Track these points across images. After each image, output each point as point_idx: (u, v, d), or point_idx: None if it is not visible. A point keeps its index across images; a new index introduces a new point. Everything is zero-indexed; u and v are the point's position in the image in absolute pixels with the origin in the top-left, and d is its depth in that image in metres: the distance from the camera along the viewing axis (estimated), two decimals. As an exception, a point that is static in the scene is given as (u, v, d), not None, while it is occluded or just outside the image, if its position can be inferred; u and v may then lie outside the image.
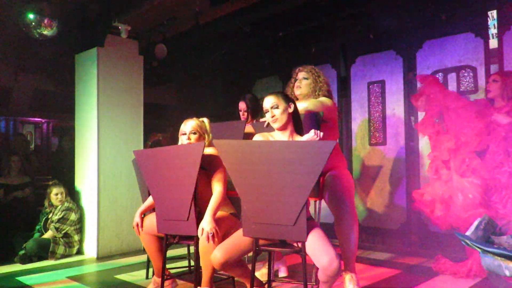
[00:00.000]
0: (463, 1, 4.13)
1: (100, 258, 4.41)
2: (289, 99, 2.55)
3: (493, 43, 4.02)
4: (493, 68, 4.01)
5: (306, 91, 3.10)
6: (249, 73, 6.24)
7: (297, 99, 3.12)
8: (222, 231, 2.49)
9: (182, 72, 6.71)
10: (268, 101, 2.50)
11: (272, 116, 2.48)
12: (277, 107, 2.47)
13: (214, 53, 5.82)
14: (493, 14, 4.05)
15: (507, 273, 1.50)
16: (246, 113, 3.82)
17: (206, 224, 2.42)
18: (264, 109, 2.53)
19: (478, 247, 1.60)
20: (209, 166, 2.64)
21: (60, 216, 4.42)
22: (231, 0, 4.21)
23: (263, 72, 6.00)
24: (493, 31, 4.04)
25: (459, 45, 4.23)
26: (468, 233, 1.70)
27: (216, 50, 5.77)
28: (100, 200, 4.50)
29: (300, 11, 4.66)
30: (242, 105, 3.86)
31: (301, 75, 3.15)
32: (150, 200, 2.91)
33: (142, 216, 2.90)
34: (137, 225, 2.86)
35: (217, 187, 2.61)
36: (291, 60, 5.46)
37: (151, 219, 2.81)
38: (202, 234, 2.40)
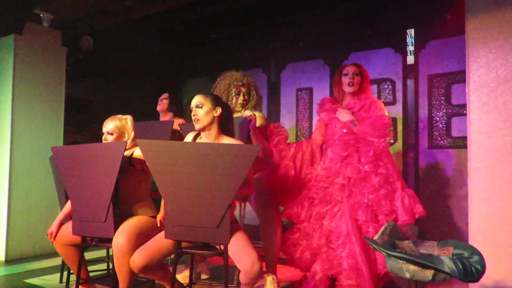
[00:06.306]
0: (385, 18, 4.42)
1: (9, 261, 4.10)
2: (218, 103, 2.43)
3: (410, 59, 4.34)
4: (409, 82, 4.33)
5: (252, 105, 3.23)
6: (180, 72, 6.15)
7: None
8: (142, 235, 2.40)
9: (111, 67, 6.43)
10: (194, 100, 2.43)
11: (194, 115, 2.39)
12: (201, 107, 2.38)
13: (145, 49, 5.65)
14: (411, 32, 4.37)
15: (407, 275, 1.64)
16: (166, 101, 3.95)
17: None
18: (190, 107, 2.44)
19: (383, 251, 1.72)
20: (144, 165, 2.47)
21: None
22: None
23: (195, 73, 5.94)
24: (410, 48, 4.36)
25: (381, 59, 4.51)
26: (376, 237, 1.83)
27: (147, 46, 5.61)
28: (11, 198, 4.18)
29: (234, 15, 4.69)
30: (165, 95, 4.01)
31: (243, 89, 3.15)
32: (69, 206, 2.68)
33: (61, 224, 2.71)
34: (51, 233, 2.68)
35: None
36: (223, 62, 5.46)
37: (69, 228, 2.63)
38: None
